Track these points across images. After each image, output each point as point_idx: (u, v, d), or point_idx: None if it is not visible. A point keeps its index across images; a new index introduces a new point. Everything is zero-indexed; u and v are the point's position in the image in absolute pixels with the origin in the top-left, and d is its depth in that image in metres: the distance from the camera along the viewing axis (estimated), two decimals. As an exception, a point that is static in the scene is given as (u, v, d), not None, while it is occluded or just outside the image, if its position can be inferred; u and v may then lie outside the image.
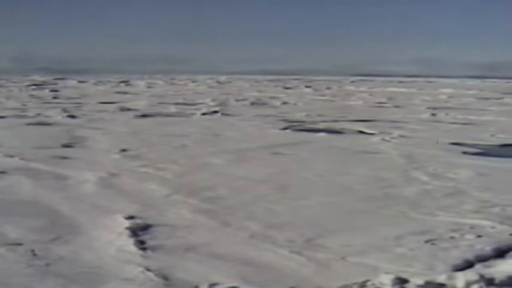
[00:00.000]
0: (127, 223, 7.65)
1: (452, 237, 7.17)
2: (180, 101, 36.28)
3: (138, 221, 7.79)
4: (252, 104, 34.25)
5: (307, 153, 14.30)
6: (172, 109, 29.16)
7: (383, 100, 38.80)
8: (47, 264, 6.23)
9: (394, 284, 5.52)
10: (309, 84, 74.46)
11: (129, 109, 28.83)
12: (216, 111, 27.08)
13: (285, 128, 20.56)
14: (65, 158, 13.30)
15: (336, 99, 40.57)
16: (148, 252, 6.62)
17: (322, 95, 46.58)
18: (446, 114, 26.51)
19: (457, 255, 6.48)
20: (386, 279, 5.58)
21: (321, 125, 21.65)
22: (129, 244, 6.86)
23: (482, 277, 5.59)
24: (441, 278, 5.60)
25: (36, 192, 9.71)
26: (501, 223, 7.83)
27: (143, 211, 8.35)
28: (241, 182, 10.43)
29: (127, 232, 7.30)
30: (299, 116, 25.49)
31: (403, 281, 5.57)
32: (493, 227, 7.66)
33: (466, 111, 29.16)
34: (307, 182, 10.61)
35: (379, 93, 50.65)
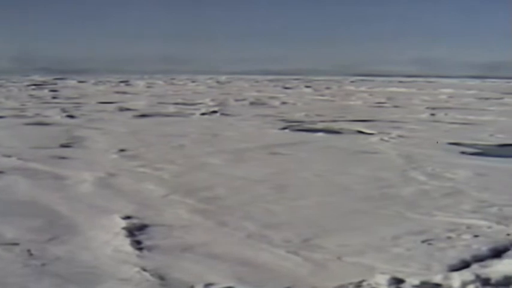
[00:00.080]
0: (124, 223, 7.64)
1: (449, 237, 7.16)
2: (179, 101, 36.28)
3: (135, 221, 7.78)
4: (251, 104, 34.26)
5: (305, 153, 14.29)
6: (172, 109, 29.16)
7: (382, 100, 38.81)
8: (43, 264, 6.22)
9: (389, 284, 5.51)
10: (308, 84, 74.47)
11: (128, 109, 28.84)
12: (215, 111, 27.09)
13: (284, 128, 20.56)
14: (63, 158, 13.29)
15: (336, 99, 40.58)
16: (145, 252, 6.61)
17: (322, 95, 46.59)
18: (446, 114, 26.51)
19: (454, 255, 6.48)
20: (382, 280, 5.58)
21: (320, 125, 21.65)
22: (126, 244, 6.85)
23: (478, 277, 5.58)
24: (437, 278, 5.60)
25: (34, 192, 9.71)
26: (498, 223, 7.82)
27: (140, 211, 8.34)
28: (239, 182, 10.42)
29: (124, 232, 7.29)
30: (298, 116, 25.49)
31: (398, 281, 5.57)
32: (490, 227, 7.66)
33: (465, 111, 29.17)
34: (305, 182, 10.60)
35: (378, 93, 50.66)
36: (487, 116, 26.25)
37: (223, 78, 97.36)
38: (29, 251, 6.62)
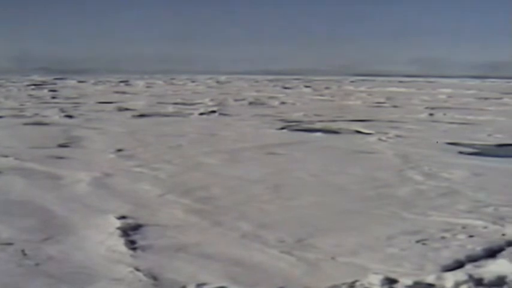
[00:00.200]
0: (118, 223, 7.62)
1: (443, 237, 7.15)
2: (178, 100, 36.28)
3: (129, 221, 7.77)
4: (250, 103, 34.25)
5: (302, 153, 14.28)
6: (170, 109, 29.15)
7: (381, 100, 38.81)
8: (37, 264, 6.21)
9: (382, 284, 5.50)
10: (308, 84, 74.51)
11: (127, 109, 28.82)
12: (213, 111, 27.07)
13: (282, 128, 20.54)
14: (60, 157, 13.28)
15: (335, 99, 40.58)
16: (139, 252, 6.60)
17: (321, 95, 46.59)
18: (444, 114, 26.49)
19: (448, 256, 6.46)
20: (375, 280, 5.57)
21: (318, 125, 21.63)
22: (120, 244, 6.83)
23: (471, 277, 5.57)
24: (430, 278, 5.59)
25: (29, 192, 9.70)
26: (494, 223, 7.81)
27: (135, 211, 8.33)
28: (235, 182, 10.41)
29: (118, 232, 7.27)
30: (296, 115, 25.47)
31: (392, 281, 5.56)
32: (485, 227, 7.64)
33: (464, 111, 29.16)
34: (301, 182, 10.59)
35: (378, 93, 50.66)
36: (485, 116, 26.24)
37: (223, 78, 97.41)
38: (23, 251, 6.60)
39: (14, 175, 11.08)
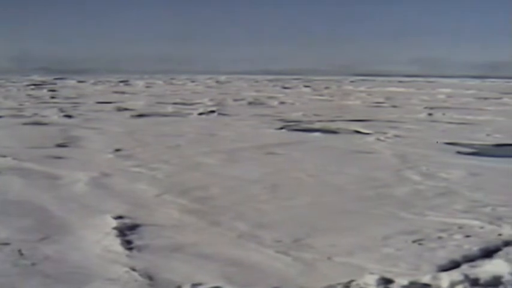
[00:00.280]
0: (115, 223, 7.62)
1: (440, 237, 7.15)
2: (177, 100, 36.28)
3: (126, 220, 7.77)
4: (250, 103, 34.25)
5: (301, 153, 14.28)
6: (170, 109, 29.14)
7: (381, 100, 38.81)
8: (33, 264, 6.22)
9: (378, 284, 5.50)
10: (308, 84, 74.49)
11: (126, 109, 28.82)
12: (212, 111, 27.07)
13: (281, 128, 20.54)
14: (59, 157, 13.28)
15: (334, 99, 40.58)
16: (135, 252, 6.60)
17: (321, 95, 46.58)
18: (443, 114, 26.50)
19: (444, 256, 6.46)
20: (371, 280, 5.57)
21: (317, 125, 21.64)
22: (116, 244, 6.83)
23: (467, 277, 5.57)
24: (426, 278, 5.59)
25: (27, 192, 9.70)
26: (490, 223, 7.81)
27: (132, 211, 8.33)
28: (233, 182, 10.41)
29: (115, 232, 7.27)
30: (295, 115, 25.48)
31: (387, 281, 5.55)
32: (482, 227, 7.64)
33: (463, 111, 29.17)
34: (299, 182, 10.59)
35: (377, 93, 50.67)
36: (485, 115, 26.25)
37: (222, 78, 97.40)
38: (19, 250, 6.61)
39: (12, 175, 11.08)
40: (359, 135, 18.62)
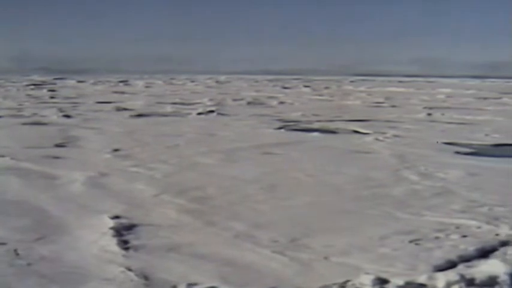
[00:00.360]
0: (112, 223, 7.62)
1: (437, 238, 7.14)
2: (177, 100, 36.27)
3: (123, 220, 7.76)
4: (249, 103, 34.25)
5: (299, 153, 14.27)
6: (169, 109, 29.14)
7: (380, 100, 38.80)
8: (29, 264, 6.21)
9: (374, 285, 5.50)
10: (308, 84, 74.47)
11: (125, 109, 28.81)
12: (212, 111, 27.05)
13: (280, 128, 20.54)
14: (57, 157, 13.27)
15: (334, 99, 40.57)
16: (131, 252, 6.59)
17: (320, 95, 46.57)
18: (442, 114, 26.49)
19: (440, 256, 6.45)
20: (367, 280, 5.56)
21: (316, 125, 21.63)
22: (112, 244, 6.83)
23: (462, 277, 5.57)
24: (422, 279, 5.58)
25: (25, 191, 9.69)
26: (487, 223, 7.80)
27: (129, 211, 8.32)
28: (231, 182, 10.40)
29: (111, 232, 7.26)
30: (294, 115, 25.47)
31: (383, 281, 5.55)
32: (479, 227, 7.64)
33: (463, 110, 29.16)
34: (297, 182, 10.58)
35: (377, 93, 50.66)
36: (484, 115, 26.24)
37: (222, 78, 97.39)
38: (15, 250, 6.60)
39: (10, 175, 11.08)
40: (358, 135, 18.62)
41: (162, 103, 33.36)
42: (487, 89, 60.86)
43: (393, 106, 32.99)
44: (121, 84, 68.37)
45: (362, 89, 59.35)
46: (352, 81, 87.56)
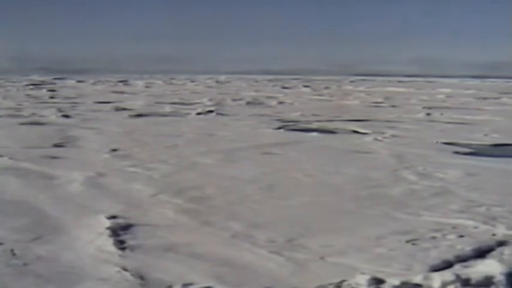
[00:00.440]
0: (109, 223, 7.62)
1: (433, 238, 7.14)
2: (176, 100, 36.26)
3: (120, 220, 7.76)
4: (248, 103, 34.24)
5: (298, 153, 14.27)
6: (168, 109, 29.13)
7: (380, 100, 38.78)
8: (25, 264, 6.21)
9: (369, 285, 5.50)
10: (307, 84, 74.44)
11: (124, 109, 28.80)
12: (211, 111, 27.04)
13: (279, 128, 20.53)
14: (55, 157, 13.28)
15: (333, 99, 40.55)
16: (127, 252, 6.60)
17: (320, 95, 46.55)
18: (442, 114, 26.48)
19: (437, 256, 6.45)
20: (362, 280, 5.56)
21: (315, 125, 21.62)
22: (109, 244, 6.83)
23: (458, 277, 5.56)
24: (417, 279, 5.58)
25: (23, 191, 9.69)
26: (485, 223, 7.80)
27: (127, 211, 8.32)
28: (229, 182, 10.40)
29: (108, 232, 7.26)
30: (294, 115, 25.46)
31: (379, 281, 5.55)
32: (476, 227, 7.63)
33: (462, 110, 29.16)
34: (295, 182, 10.58)
35: (376, 92, 50.64)
36: (483, 115, 26.23)
37: (222, 78, 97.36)
38: (12, 250, 6.60)
39: (9, 175, 11.08)
40: (357, 135, 18.62)
41: (162, 103, 33.35)
42: (486, 89, 60.85)
43: (393, 106, 32.98)
44: (121, 84, 68.34)
45: (362, 88, 59.33)
46: (352, 81, 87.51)
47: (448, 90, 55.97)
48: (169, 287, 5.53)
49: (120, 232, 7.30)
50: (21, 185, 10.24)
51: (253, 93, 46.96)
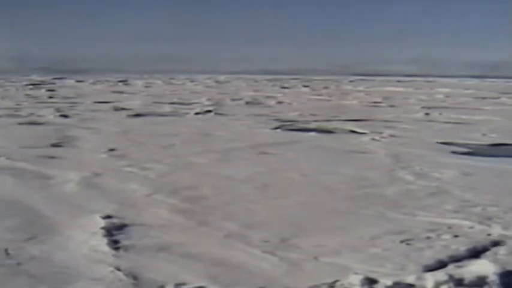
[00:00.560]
0: (103, 223, 7.61)
1: (428, 238, 7.13)
2: (175, 100, 36.23)
3: (114, 220, 7.76)
4: (247, 103, 34.21)
5: (294, 152, 14.26)
6: (167, 109, 29.10)
7: (379, 100, 38.75)
8: (18, 264, 6.20)
9: (362, 285, 5.49)
10: (307, 83, 74.41)
11: (123, 108, 28.76)
12: (209, 111, 27.02)
13: (276, 128, 20.51)
14: (52, 157, 13.26)
15: (332, 99, 40.52)
16: (121, 251, 6.58)
17: (319, 95, 46.51)
18: (440, 114, 26.47)
19: (431, 256, 6.44)
20: (355, 280, 5.55)
21: (313, 125, 21.60)
22: (103, 244, 6.82)
23: (451, 277, 5.56)
24: (410, 279, 5.57)
25: (18, 191, 9.68)
26: (480, 223, 7.79)
27: (121, 211, 8.31)
28: (224, 182, 10.39)
29: (102, 232, 7.26)
30: (292, 115, 25.45)
31: (372, 282, 5.54)
32: (471, 227, 7.62)
33: (461, 110, 29.14)
34: (290, 182, 10.57)
35: (375, 92, 50.61)
36: (482, 115, 26.21)
37: (222, 78, 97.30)
38: (5, 250, 6.59)
39: (5, 175, 11.07)
40: (354, 135, 18.60)
41: (161, 103, 33.33)
42: (486, 89, 60.82)
43: (391, 106, 32.96)
44: (120, 84, 68.28)
45: (361, 88, 59.29)
46: (351, 81, 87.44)
47: (447, 90, 55.95)
48: (161, 287, 5.52)
49: (114, 232, 7.29)
50: (17, 184, 10.23)
51: (252, 93, 46.93)
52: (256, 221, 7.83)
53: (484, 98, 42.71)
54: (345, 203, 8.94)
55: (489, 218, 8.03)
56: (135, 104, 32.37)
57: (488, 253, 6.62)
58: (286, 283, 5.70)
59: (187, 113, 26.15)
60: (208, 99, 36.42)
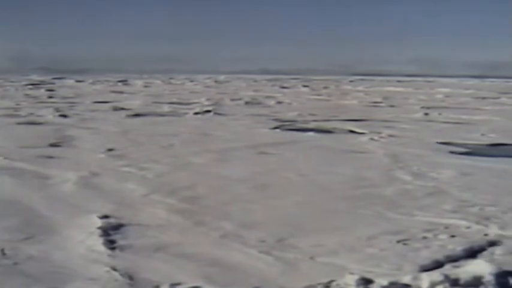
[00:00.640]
0: (100, 222, 7.61)
1: (425, 238, 7.13)
2: (175, 100, 36.24)
3: (111, 220, 7.76)
4: (246, 103, 34.21)
5: (293, 152, 14.26)
6: (166, 108, 29.10)
7: (378, 99, 38.76)
8: (15, 263, 6.20)
9: (358, 285, 5.48)
10: (306, 83, 74.41)
11: (122, 108, 28.76)
12: (208, 111, 27.02)
13: (275, 128, 20.51)
14: (51, 157, 13.26)
15: (332, 99, 40.52)
16: (117, 251, 6.59)
17: (319, 95, 46.52)
18: (439, 114, 26.46)
19: (427, 256, 6.44)
20: (351, 280, 5.55)
21: (312, 125, 21.60)
22: (99, 244, 6.82)
23: (447, 278, 5.55)
24: (406, 279, 5.56)
25: (16, 191, 9.68)
26: (477, 223, 7.79)
27: (119, 210, 8.31)
28: (222, 182, 10.39)
29: (99, 232, 7.26)
30: (291, 115, 25.45)
31: (367, 282, 5.54)
32: (468, 227, 7.62)
33: (460, 110, 29.14)
34: (288, 182, 10.57)
35: (375, 92, 50.62)
36: (481, 115, 26.21)
37: (221, 77, 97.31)
38: (2, 250, 6.59)
39: (3, 175, 11.07)
40: (353, 135, 18.60)
41: (160, 103, 33.32)
42: (486, 89, 60.84)
43: (391, 106, 32.97)
44: (120, 83, 68.30)
45: (360, 88, 59.30)
46: (351, 81, 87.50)
47: (447, 90, 55.96)
48: (156, 287, 5.52)
49: (111, 232, 7.29)
50: (16, 184, 10.23)
51: (252, 93, 46.93)
52: (254, 221, 7.83)
53: (484, 98, 42.72)
54: (343, 203, 8.94)
55: (487, 218, 8.03)
56: (135, 104, 32.36)
57: (484, 253, 6.63)
58: (282, 283, 5.70)
59: (186, 113, 26.15)
60: (208, 99, 36.42)
